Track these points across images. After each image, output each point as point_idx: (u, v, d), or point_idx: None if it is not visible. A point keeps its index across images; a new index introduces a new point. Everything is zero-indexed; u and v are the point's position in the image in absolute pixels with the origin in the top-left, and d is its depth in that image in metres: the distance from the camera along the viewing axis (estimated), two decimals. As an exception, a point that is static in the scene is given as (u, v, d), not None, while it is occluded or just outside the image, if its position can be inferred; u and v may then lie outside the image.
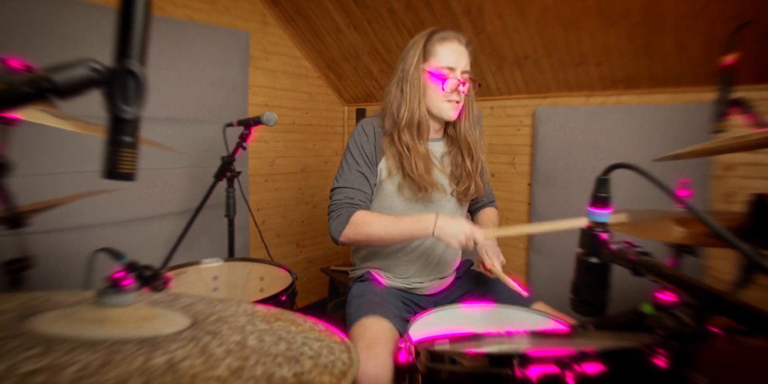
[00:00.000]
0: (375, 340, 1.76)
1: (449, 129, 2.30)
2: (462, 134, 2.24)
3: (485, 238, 1.93)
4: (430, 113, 2.15)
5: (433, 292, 2.32)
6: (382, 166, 2.17)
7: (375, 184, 2.19)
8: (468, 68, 2.14)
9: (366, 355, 1.71)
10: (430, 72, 2.10)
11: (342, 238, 2.07)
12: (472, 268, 2.49)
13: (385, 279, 2.29)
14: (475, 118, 2.27)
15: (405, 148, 2.11)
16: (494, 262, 2.04)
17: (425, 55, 2.12)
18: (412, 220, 1.99)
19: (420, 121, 2.11)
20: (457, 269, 2.42)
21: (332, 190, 2.18)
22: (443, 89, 2.09)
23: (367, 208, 2.16)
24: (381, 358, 1.71)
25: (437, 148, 2.27)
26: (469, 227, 1.90)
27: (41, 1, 2.76)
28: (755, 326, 0.72)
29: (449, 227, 1.90)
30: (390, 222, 2.02)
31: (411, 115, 2.10)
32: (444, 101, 2.11)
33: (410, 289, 2.28)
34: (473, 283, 2.33)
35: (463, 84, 2.10)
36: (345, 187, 2.13)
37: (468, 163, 2.24)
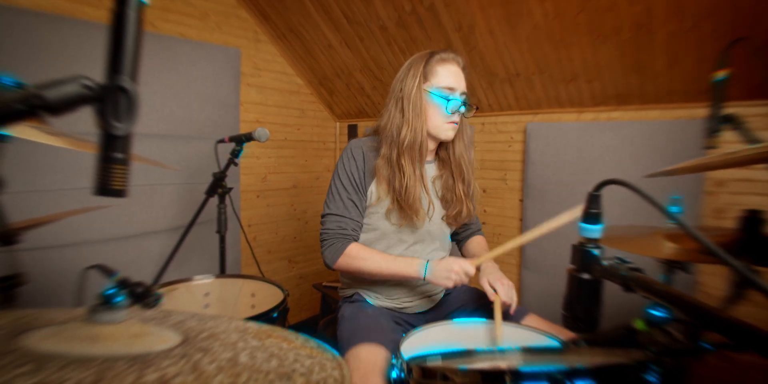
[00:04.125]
0: (370, 371, 1.71)
1: (441, 151, 2.29)
2: (456, 156, 2.24)
3: (475, 264, 1.95)
4: (428, 134, 2.14)
5: (423, 310, 2.32)
6: (372, 189, 2.17)
7: (365, 208, 2.20)
8: (465, 90, 2.15)
9: None
10: (431, 92, 2.09)
11: (335, 267, 2.11)
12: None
13: (375, 299, 2.28)
14: (469, 138, 2.27)
15: (401, 171, 2.09)
16: (498, 295, 2.00)
17: (425, 76, 2.11)
18: (403, 263, 2.03)
19: (421, 143, 2.10)
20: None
21: (323, 215, 2.19)
22: (446, 110, 2.09)
23: (359, 237, 2.19)
24: None
25: (429, 171, 2.27)
26: (457, 264, 1.92)
27: (32, 17, 2.76)
28: (747, 342, 0.72)
29: (439, 271, 1.94)
30: (383, 261, 2.06)
31: (414, 136, 2.08)
32: (445, 122, 2.11)
33: (400, 308, 2.27)
34: (463, 299, 2.31)
35: (464, 105, 2.12)
36: (336, 214, 2.14)
37: (459, 186, 2.24)
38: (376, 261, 2.05)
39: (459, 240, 2.57)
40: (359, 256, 2.07)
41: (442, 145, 2.27)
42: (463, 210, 2.24)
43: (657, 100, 3.07)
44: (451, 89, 2.09)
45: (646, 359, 0.97)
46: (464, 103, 2.13)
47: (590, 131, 3.35)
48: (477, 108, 2.22)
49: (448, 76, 2.10)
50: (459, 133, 2.21)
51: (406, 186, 2.08)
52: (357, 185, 2.15)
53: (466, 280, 1.92)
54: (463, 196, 2.24)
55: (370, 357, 1.78)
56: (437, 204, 2.26)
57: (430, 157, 2.28)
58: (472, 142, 2.25)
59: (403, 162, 2.09)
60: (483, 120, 4.05)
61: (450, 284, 1.91)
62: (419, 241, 2.25)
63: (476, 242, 2.50)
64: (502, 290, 2.01)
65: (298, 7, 4.04)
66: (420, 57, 2.14)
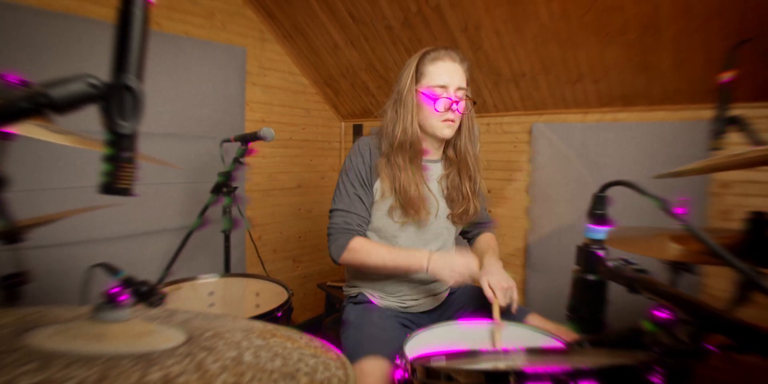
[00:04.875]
0: None
1: (448, 150, 2.29)
2: (461, 153, 2.24)
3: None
4: (425, 132, 2.16)
5: (428, 309, 2.32)
6: (377, 187, 2.18)
7: (371, 205, 2.20)
8: (463, 84, 2.13)
9: None
10: (422, 92, 2.11)
11: (341, 261, 2.12)
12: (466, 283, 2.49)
13: (379, 299, 2.28)
14: (474, 136, 2.27)
15: (398, 170, 2.11)
16: (497, 296, 1.99)
17: (417, 76, 2.13)
18: (407, 255, 2.03)
19: (413, 141, 2.11)
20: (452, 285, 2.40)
21: (331, 211, 2.20)
22: (435, 109, 2.09)
23: (365, 231, 2.20)
24: None
25: (436, 170, 2.27)
26: (463, 262, 1.92)
27: (38, 16, 2.77)
28: (751, 344, 0.72)
29: (443, 264, 1.94)
30: (386, 253, 2.06)
31: (404, 134, 2.10)
32: (439, 121, 2.11)
33: (405, 308, 2.27)
34: (468, 298, 2.31)
35: (457, 102, 2.10)
36: (342, 210, 2.16)
37: (466, 184, 2.24)
38: (379, 254, 2.06)
39: (469, 238, 2.58)
40: (363, 250, 2.08)
41: (448, 144, 2.27)
42: (470, 208, 2.24)
43: (663, 101, 3.06)
44: (443, 87, 2.10)
45: (650, 360, 0.97)
46: (457, 100, 2.11)
47: (596, 132, 3.34)
48: (475, 102, 2.21)
49: (439, 75, 2.10)
50: (464, 130, 2.21)
51: (402, 184, 2.10)
52: (363, 181, 2.17)
53: (468, 280, 1.92)
54: (469, 194, 2.24)
55: (374, 371, 1.77)
56: (442, 203, 2.26)
57: (436, 155, 2.28)
58: (478, 138, 2.24)
59: (398, 160, 2.12)
60: (488, 120, 4.05)
61: (451, 280, 1.92)
62: (422, 240, 2.25)
63: (483, 241, 2.50)
64: (501, 295, 2.00)
65: (303, 6, 4.04)
66: (415, 58, 2.17)
